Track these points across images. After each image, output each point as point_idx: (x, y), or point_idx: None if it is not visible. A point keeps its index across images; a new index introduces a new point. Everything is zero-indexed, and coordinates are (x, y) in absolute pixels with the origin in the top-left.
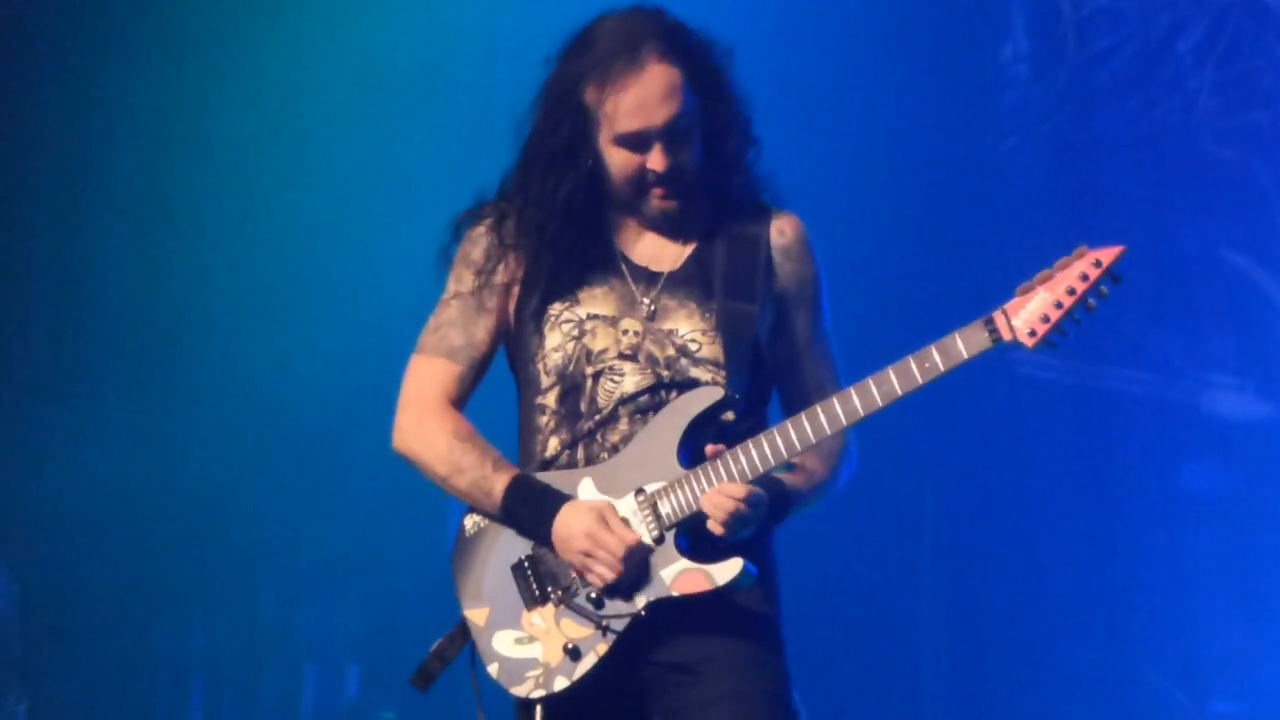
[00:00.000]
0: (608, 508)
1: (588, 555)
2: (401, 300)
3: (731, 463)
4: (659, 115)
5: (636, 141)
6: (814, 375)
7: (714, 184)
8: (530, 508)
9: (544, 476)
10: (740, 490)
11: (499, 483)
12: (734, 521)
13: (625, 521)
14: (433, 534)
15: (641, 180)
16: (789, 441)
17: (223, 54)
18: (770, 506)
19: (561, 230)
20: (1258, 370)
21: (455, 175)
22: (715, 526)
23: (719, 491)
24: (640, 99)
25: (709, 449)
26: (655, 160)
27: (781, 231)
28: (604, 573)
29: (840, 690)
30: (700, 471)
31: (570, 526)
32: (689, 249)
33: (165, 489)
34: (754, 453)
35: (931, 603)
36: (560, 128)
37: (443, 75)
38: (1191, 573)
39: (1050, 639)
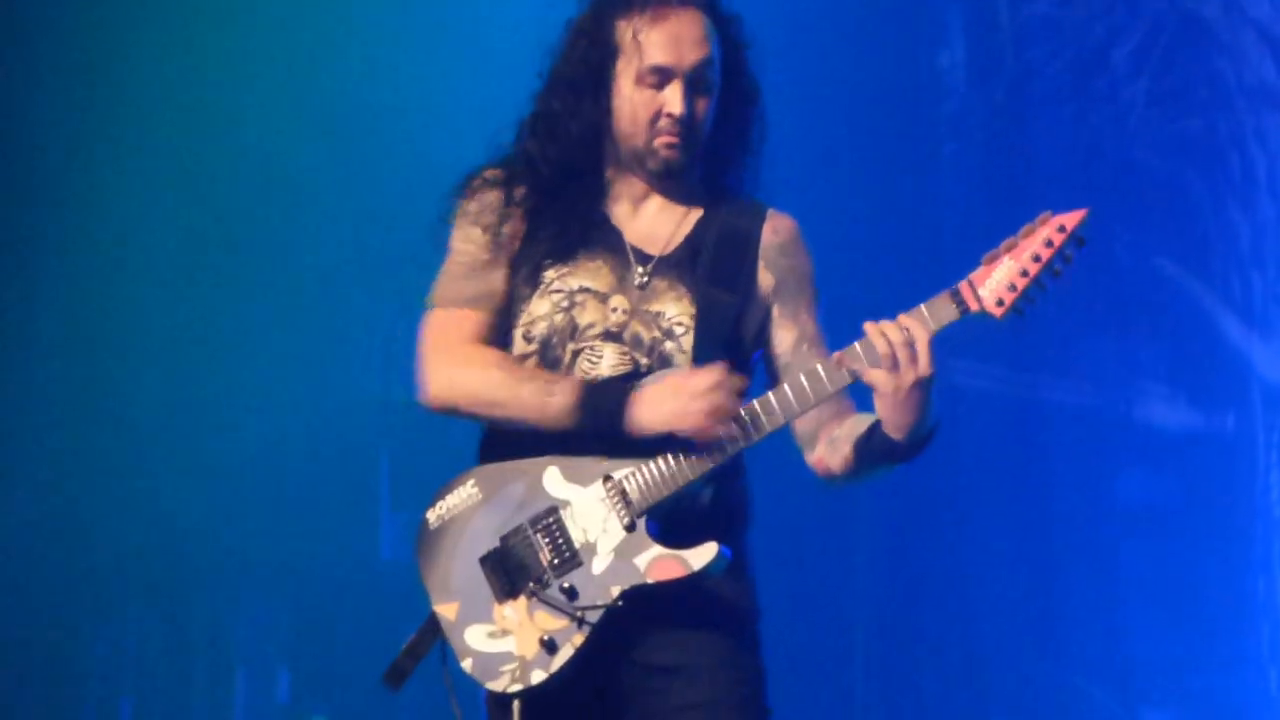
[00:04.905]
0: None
1: (683, 404)
2: (336, 306)
3: (697, 446)
4: (688, 56)
5: (660, 78)
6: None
7: (717, 162)
8: (606, 397)
9: (508, 465)
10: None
11: (569, 382)
12: (904, 364)
13: (588, 524)
14: (363, 536)
15: (654, 124)
16: (771, 411)
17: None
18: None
19: (568, 175)
20: (1189, 379)
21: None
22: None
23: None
24: (674, 34)
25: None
26: (673, 102)
27: (776, 230)
28: (723, 402)
29: (770, 700)
30: (667, 456)
31: (651, 391)
32: (682, 234)
33: (93, 492)
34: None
35: (863, 613)
36: (584, 58)
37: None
38: (1124, 581)
39: (982, 648)
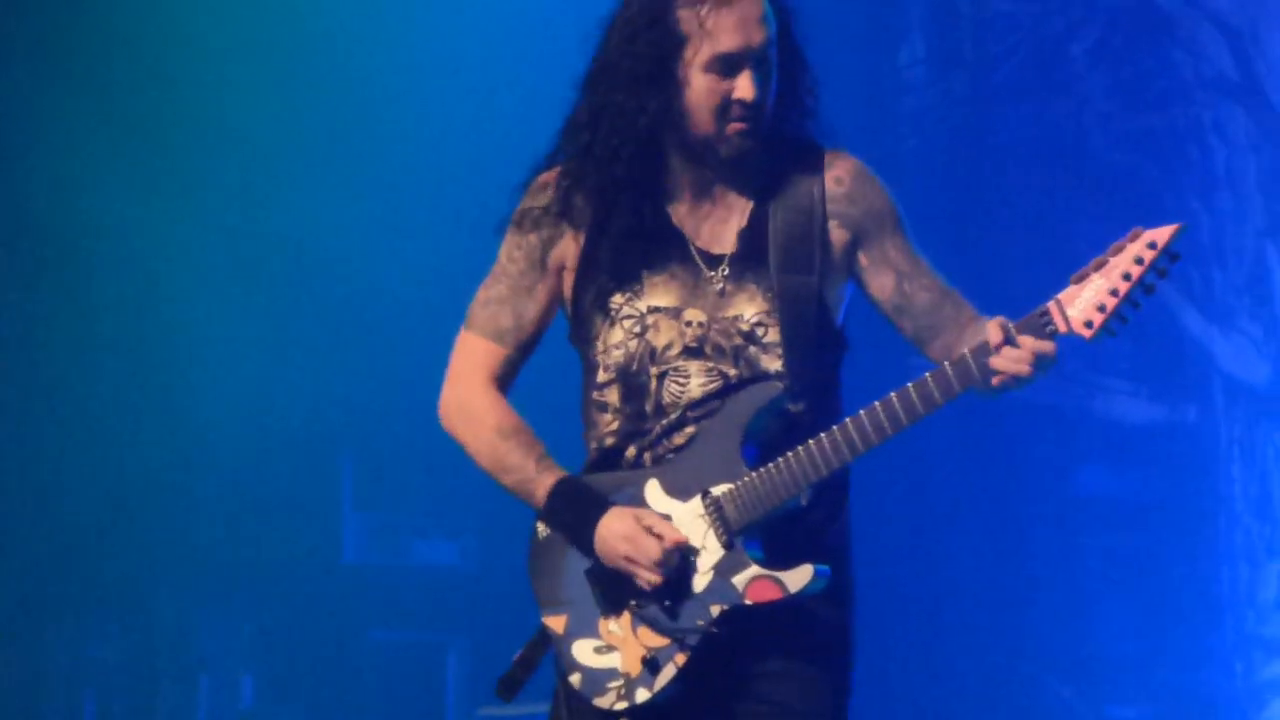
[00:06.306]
0: (645, 511)
1: (629, 561)
2: (297, 307)
3: (795, 462)
4: (757, 36)
5: (731, 63)
6: (927, 299)
7: (775, 132)
8: (572, 515)
9: (608, 478)
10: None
11: (540, 488)
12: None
13: (689, 539)
14: (325, 539)
15: (725, 110)
16: (850, 440)
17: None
18: None
19: (635, 172)
20: (1150, 374)
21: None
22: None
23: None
24: (741, 18)
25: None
26: (744, 87)
27: (838, 179)
28: (647, 576)
29: None
30: (765, 472)
31: (611, 530)
32: (744, 222)
33: (58, 494)
34: (815, 452)
35: None
36: (646, 51)
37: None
38: (1088, 576)
39: (947, 644)
